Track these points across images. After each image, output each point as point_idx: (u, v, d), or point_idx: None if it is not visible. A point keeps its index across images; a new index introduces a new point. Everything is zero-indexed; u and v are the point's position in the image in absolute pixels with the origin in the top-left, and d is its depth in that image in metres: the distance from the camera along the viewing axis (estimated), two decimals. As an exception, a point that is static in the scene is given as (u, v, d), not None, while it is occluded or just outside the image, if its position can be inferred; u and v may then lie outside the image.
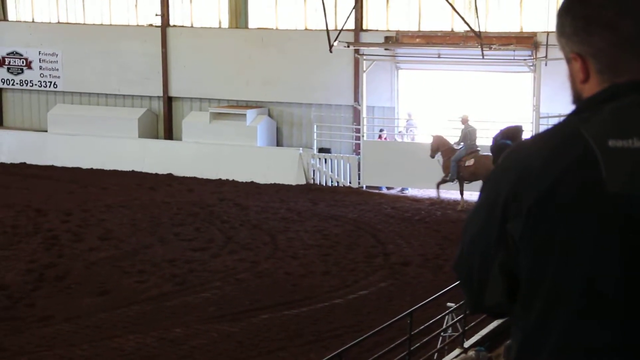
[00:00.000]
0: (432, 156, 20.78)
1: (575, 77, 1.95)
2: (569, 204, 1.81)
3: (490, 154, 19.78)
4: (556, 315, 1.84)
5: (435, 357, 10.69)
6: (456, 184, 20.66)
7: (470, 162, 20.22)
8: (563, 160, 1.83)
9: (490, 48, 20.69)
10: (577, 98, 1.96)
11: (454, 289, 11.07)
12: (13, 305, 13.18)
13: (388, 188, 22.95)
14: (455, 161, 20.32)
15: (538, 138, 1.93)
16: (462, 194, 20.57)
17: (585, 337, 1.82)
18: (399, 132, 23.67)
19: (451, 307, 10.79)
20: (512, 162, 1.91)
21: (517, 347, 1.93)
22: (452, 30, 22.81)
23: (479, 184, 19.93)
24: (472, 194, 20.18)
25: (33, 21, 27.37)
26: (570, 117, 1.92)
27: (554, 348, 1.85)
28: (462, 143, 20.54)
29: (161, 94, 26.08)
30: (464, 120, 20.63)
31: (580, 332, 1.83)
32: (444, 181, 20.71)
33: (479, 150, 20.35)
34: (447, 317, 10.84)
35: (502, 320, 10.42)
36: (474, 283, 1.97)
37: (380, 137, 23.11)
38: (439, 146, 20.70)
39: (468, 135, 20.49)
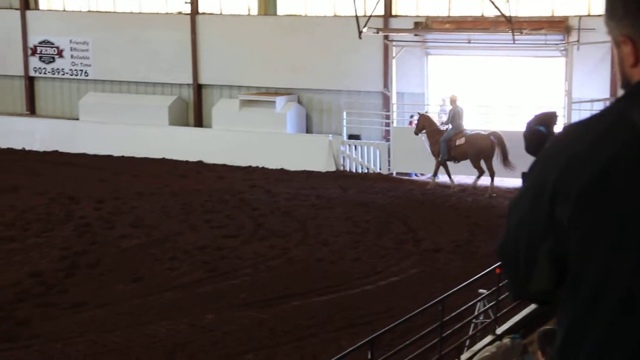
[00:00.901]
0: (417, 133, 21.01)
1: (625, 61, 1.90)
2: (618, 189, 1.78)
3: (480, 132, 20.37)
4: (601, 305, 1.80)
5: (467, 344, 10.65)
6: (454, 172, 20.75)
7: (461, 141, 20.33)
8: (612, 145, 1.79)
9: (521, 33, 20.51)
10: (626, 83, 1.91)
11: (486, 276, 11.02)
12: (47, 292, 13.31)
13: (417, 174, 22.87)
14: (445, 141, 20.39)
15: (585, 123, 1.89)
16: (449, 175, 20.75)
17: (626, 331, 1.78)
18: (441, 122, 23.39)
19: (483, 293, 10.73)
20: (560, 148, 1.87)
21: (563, 334, 1.89)
22: (483, 15, 22.62)
23: (466, 165, 20.51)
24: (468, 177, 20.10)
25: (64, 10, 27.53)
26: (618, 101, 1.87)
27: (597, 337, 1.81)
28: (450, 123, 20.61)
29: (191, 82, 26.14)
30: (453, 100, 20.72)
31: (622, 325, 1.79)
32: (437, 165, 20.82)
33: (465, 130, 20.52)
34: (478, 303, 10.79)
35: (535, 307, 10.36)
36: (519, 269, 1.93)
37: (411, 123, 23.01)
38: (425, 126, 20.86)
39: (456, 115, 20.53)
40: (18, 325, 11.96)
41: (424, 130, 20.91)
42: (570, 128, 1.92)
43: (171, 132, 25.51)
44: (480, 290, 10.84)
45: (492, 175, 20.23)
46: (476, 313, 10.82)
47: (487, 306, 10.81)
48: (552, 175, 1.84)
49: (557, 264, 1.87)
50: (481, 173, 20.46)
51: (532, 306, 10.41)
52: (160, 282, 13.89)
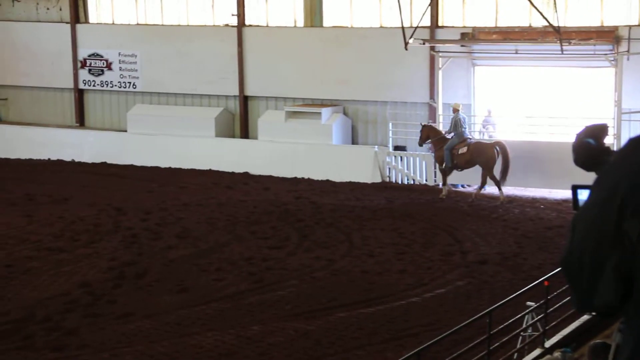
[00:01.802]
0: (421, 144, 21.49)
1: None
2: None
3: (484, 141, 20.77)
4: None
5: (515, 357, 10.53)
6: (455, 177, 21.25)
7: (463, 149, 20.62)
8: None
9: (570, 43, 20.31)
10: None
11: (534, 288, 10.90)
12: (95, 302, 13.45)
13: (464, 186, 22.72)
14: (449, 149, 20.69)
15: None
16: (445, 182, 21.10)
17: None
18: (482, 130, 23.29)
19: (531, 306, 10.61)
20: (628, 160, 1.84)
21: (632, 347, 1.85)
22: (530, 26, 22.45)
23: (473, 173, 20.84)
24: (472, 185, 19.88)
25: (113, 23, 27.91)
26: None
27: None
28: (452, 132, 20.90)
29: (237, 93, 26.31)
30: (455, 109, 20.99)
31: None
32: (443, 174, 21.16)
33: (469, 138, 20.85)
34: (526, 316, 10.67)
35: (585, 320, 10.22)
36: (584, 282, 1.90)
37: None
38: (429, 135, 21.22)
39: (458, 123, 20.81)
40: (66, 335, 12.10)
41: (429, 140, 21.28)
42: (636, 140, 1.88)
43: (217, 143, 25.68)
44: (528, 303, 10.73)
45: (498, 184, 20.42)
46: (524, 326, 10.70)
47: (536, 319, 10.69)
48: (621, 188, 1.81)
49: (624, 278, 1.83)
50: (483, 184, 20.79)
51: (583, 319, 10.27)
52: (206, 292, 13.96)
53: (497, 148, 20.39)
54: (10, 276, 14.77)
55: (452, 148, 20.70)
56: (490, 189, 22.01)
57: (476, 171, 20.92)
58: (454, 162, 20.73)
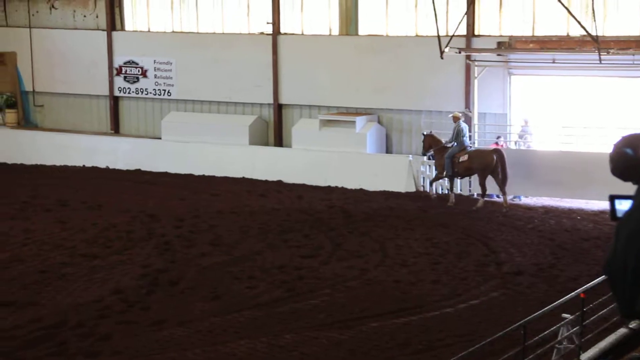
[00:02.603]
0: (424, 154, 22.04)
1: None
2: None
3: (483, 149, 21.36)
4: None
5: (549, 370, 10.45)
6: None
7: (464, 157, 21.08)
8: None
9: (608, 52, 20.16)
10: None
11: (570, 300, 10.82)
12: (128, 309, 13.55)
13: (499, 196, 22.59)
14: (449, 158, 21.12)
15: None
16: (452, 189, 21.55)
17: None
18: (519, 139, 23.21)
19: (566, 318, 10.53)
20: None
21: None
22: (568, 35, 22.32)
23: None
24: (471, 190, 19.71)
25: (149, 30, 28.18)
26: None
27: None
28: (453, 141, 21.32)
29: (272, 102, 26.42)
30: (456, 118, 21.43)
31: None
32: (437, 178, 21.80)
33: (470, 147, 21.44)
34: (562, 328, 10.58)
35: (622, 333, 10.12)
36: (626, 288, 1.90)
37: (496, 144, 22.79)
38: (432, 144, 21.66)
39: (460, 132, 21.23)
40: (99, 341, 12.20)
41: (431, 150, 21.67)
42: None
43: (251, 151, 25.80)
44: (564, 315, 10.63)
45: (503, 191, 20.94)
46: (559, 338, 10.61)
47: (571, 331, 10.59)
48: None
49: None
50: (484, 191, 21.11)
51: (620, 332, 10.16)
52: (239, 300, 14.01)
53: (495, 156, 20.88)
54: (45, 282, 14.93)
55: (452, 156, 21.16)
56: (527, 200, 21.92)
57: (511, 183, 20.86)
58: (455, 169, 21.23)
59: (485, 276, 15.38)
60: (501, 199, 21.41)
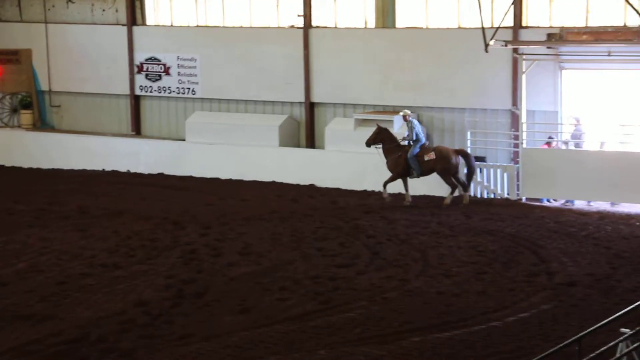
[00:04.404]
0: (369, 145, 22.24)
1: None
2: None
3: (447, 147, 22.11)
4: None
5: (606, 389, 10.37)
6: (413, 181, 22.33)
7: (430, 156, 21.78)
8: None
9: (668, 44, 20.00)
10: None
11: (629, 313, 10.74)
12: (152, 322, 13.65)
13: (550, 200, 22.50)
14: (414, 157, 21.76)
15: None
16: (407, 189, 22.09)
17: None
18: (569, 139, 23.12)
19: (625, 333, 10.45)
20: None
21: None
22: (625, 25, 22.15)
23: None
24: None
25: (172, 25, 28.36)
26: None
27: None
28: (411, 140, 21.87)
29: (303, 100, 26.47)
30: (406, 117, 22.04)
31: None
32: (392, 179, 22.07)
33: (427, 143, 22.19)
34: (620, 344, 10.50)
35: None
36: None
37: (548, 144, 22.69)
38: (385, 141, 22.15)
39: (414, 129, 21.79)
40: (122, 357, 12.31)
41: (380, 145, 22.11)
42: None
43: (281, 153, 25.86)
44: (623, 330, 10.56)
45: (466, 189, 21.87)
46: (618, 355, 10.52)
47: (631, 347, 10.51)
48: None
49: None
50: (453, 188, 21.78)
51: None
52: (269, 313, 14.06)
53: (460, 157, 21.86)
54: (64, 294, 15.09)
55: (417, 155, 21.76)
56: (579, 203, 21.79)
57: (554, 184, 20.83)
58: (421, 168, 21.85)
59: (536, 287, 15.30)
60: (553, 203, 21.28)
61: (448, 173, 21.86)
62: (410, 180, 22.27)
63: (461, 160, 22.03)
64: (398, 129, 24.40)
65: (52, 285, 15.58)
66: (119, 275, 16.20)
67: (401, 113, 22.62)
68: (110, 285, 15.55)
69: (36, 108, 30.38)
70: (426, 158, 21.81)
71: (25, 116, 30.26)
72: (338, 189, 23.67)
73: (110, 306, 14.44)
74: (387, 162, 22.18)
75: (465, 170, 21.99)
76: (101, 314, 14.04)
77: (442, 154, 21.86)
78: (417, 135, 21.95)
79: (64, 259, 17.34)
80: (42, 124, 30.45)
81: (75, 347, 12.56)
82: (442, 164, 21.78)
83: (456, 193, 22.14)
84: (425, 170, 21.98)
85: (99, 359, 12.20)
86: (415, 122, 22.24)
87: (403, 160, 21.92)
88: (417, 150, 21.86)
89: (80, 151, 28.24)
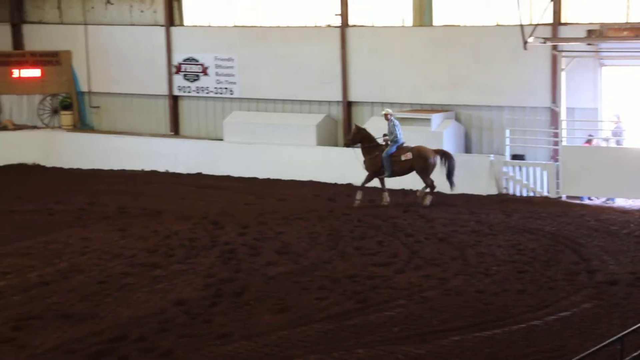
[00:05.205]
0: (348, 145, 22.30)
1: None
2: None
3: (426, 147, 21.73)
4: None
5: (649, 389, 10.25)
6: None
7: (407, 156, 21.66)
8: None
9: None
10: None
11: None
12: (191, 322, 13.69)
13: (590, 198, 22.31)
14: (389, 156, 21.63)
15: None
16: (384, 188, 22.03)
17: None
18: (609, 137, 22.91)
19: (668, 332, 10.33)
20: None
21: None
22: (666, 21, 21.92)
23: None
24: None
25: (209, 25, 28.48)
26: None
27: None
28: (390, 139, 21.73)
29: (340, 99, 26.48)
30: (387, 116, 21.88)
31: None
32: (369, 180, 22.02)
33: (404, 142, 21.79)
34: (663, 343, 10.39)
35: None
36: None
37: (589, 142, 22.51)
38: (363, 141, 22.01)
39: (393, 129, 21.61)
40: (161, 356, 12.35)
41: (358, 144, 21.99)
42: None
43: (319, 152, 25.88)
44: (665, 329, 10.44)
45: (432, 186, 21.72)
46: (661, 354, 10.41)
47: (674, 347, 10.38)
48: None
49: None
50: (432, 187, 21.65)
51: None
52: (308, 312, 14.06)
53: (438, 156, 21.67)
54: (104, 293, 15.19)
55: (392, 155, 21.64)
56: (620, 201, 21.58)
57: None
58: (394, 168, 21.75)
59: (576, 286, 15.16)
60: (593, 201, 21.08)
61: (425, 172, 21.68)
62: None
63: (439, 160, 21.81)
64: (435, 128, 24.34)
65: (93, 285, 15.70)
66: (159, 275, 16.28)
67: (382, 112, 22.49)
68: (150, 285, 15.64)
69: (76, 109, 30.68)
70: (403, 158, 21.71)
71: (66, 117, 30.59)
72: (376, 188, 23.61)
73: (149, 305, 14.51)
74: (364, 162, 22.14)
75: (445, 171, 21.73)
76: (141, 313, 14.11)
77: (420, 154, 21.68)
78: (397, 135, 21.77)
79: (105, 259, 17.47)
80: (82, 125, 30.74)
81: (115, 346, 12.63)
82: (420, 163, 21.61)
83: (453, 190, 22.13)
84: (400, 170, 21.82)
85: (139, 358, 12.26)
86: (397, 121, 22.04)
87: (379, 160, 21.85)
88: (393, 149, 21.72)
89: (120, 151, 28.47)
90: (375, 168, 22.00)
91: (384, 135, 22.01)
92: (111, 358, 12.21)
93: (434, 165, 21.75)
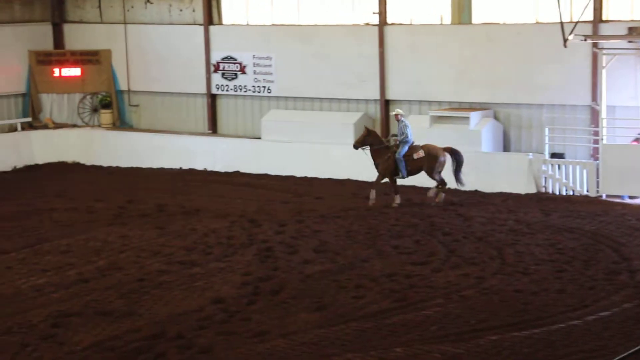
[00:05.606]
0: (357, 147, 21.94)
1: None
2: None
3: (435, 145, 21.56)
4: None
5: (691, 391, 10.11)
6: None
7: (419, 154, 21.46)
8: None
9: None
10: None
11: None
12: (229, 319, 13.73)
13: (631, 197, 22.07)
14: (403, 157, 21.46)
15: None
16: (396, 190, 21.80)
17: None
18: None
19: None
20: None
21: None
22: None
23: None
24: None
25: (247, 24, 28.55)
26: None
27: None
28: (400, 140, 21.52)
29: (378, 97, 26.42)
30: (398, 116, 21.70)
31: None
32: (380, 180, 21.83)
33: (413, 142, 21.55)
34: None
35: None
36: None
37: (637, 140, 22.29)
38: (374, 143, 21.83)
39: (405, 129, 21.46)
40: (200, 353, 12.40)
41: (368, 147, 21.83)
42: None
43: (357, 151, 25.77)
44: None
45: (443, 183, 21.56)
46: (702, 355, 10.27)
47: None
48: None
49: None
50: (444, 184, 21.52)
51: None
52: (345, 311, 14.04)
53: (447, 154, 21.48)
54: (142, 291, 15.29)
55: (406, 155, 21.48)
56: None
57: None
58: (408, 168, 21.55)
59: (617, 285, 15.00)
60: (634, 200, 20.86)
61: (435, 171, 21.53)
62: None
63: (449, 158, 21.66)
64: (474, 126, 24.21)
65: (131, 282, 15.80)
66: (197, 273, 16.35)
67: (393, 112, 22.32)
68: (188, 283, 15.71)
69: (116, 107, 30.90)
70: (415, 157, 21.50)
71: (105, 115, 30.82)
72: (414, 187, 23.54)
73: (187, 303, 14.58)
74: (377, 164, 21.92)
75: (453, 167, 21.56)
76: (179, 310, 14.18)
77: (431, 152, 21.52)
78: (408, 135, 21.54)
79: (143, 257, 17.58)
80: (121, 123, 30.97)
81: (153, 343, 12.70)
82: (430, 162, 21.45)
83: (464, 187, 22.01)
84: (414, 169, 21.65)
85: (177, 356, 12.31)
86: (407, 122, 21.86)
87: (392, 161, 21.67)
88: (405, 150, 21.51)
89: (158, 150, 28.64)
90: (390, 169, 21.82)
91: (393, 135, 21.98)
92: (149, 355, 12.29)
93: (443, 164, 21.61)
